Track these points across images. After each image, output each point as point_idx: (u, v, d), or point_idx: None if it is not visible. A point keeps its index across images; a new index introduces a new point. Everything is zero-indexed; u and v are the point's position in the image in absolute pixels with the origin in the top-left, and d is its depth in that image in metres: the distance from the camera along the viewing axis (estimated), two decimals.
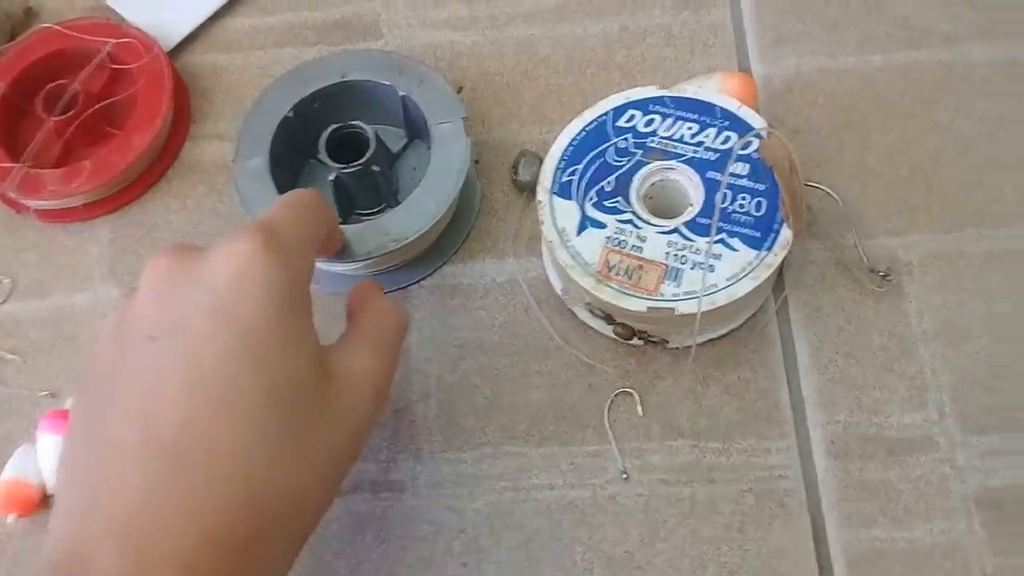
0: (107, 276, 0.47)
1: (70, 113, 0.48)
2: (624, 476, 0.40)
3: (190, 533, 0.27)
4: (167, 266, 0.31)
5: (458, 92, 0.45)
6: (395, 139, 0.47)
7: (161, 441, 0.28)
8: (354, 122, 0.43)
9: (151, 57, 0.49)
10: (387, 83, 0.45)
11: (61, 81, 0.48)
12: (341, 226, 0.41)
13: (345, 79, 0.45)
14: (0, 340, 0.46)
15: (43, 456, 0.42)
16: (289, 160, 0.45)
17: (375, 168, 0.43)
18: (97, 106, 0.48)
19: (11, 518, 0.41)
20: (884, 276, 0.42)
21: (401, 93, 0.45)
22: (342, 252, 0.41)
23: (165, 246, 0.32)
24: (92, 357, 0.32)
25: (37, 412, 0.44)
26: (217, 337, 0.29)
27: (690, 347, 0.41)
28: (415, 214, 0.42)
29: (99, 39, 0.49)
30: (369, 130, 0.43)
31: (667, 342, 0.41)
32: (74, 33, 0.49)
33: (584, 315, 0.42)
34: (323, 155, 0.43)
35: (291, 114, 0.44)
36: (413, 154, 0.48)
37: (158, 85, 0.48)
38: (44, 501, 0.42)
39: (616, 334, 0.41)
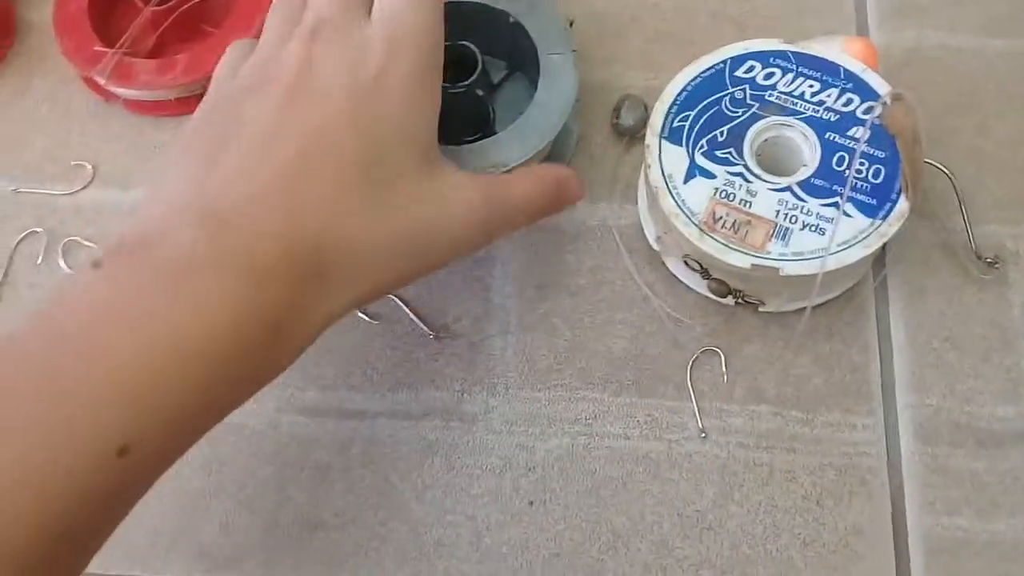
0: None
1: (168, 4, 0.47)
2: (703, 435, 0.39)
3: (275, 243, 0.30)
4: (319, 45, 0.33)
5: (570, 25, 0.43)
6: (496, 70, 0.45)
7: (269, 168, 0.31)
8: (463, 42, 0.42)
9: None
10: (499, 7, 0.43)
11: None
12: (441, 146, 0.40)
13: None
14: (80, 226, 0.46)
15: None
16: None
17: (479, 92, 0.42)
18: (195, 0, 0.47)
19: None
20: (991, 263, 0.40)
21: (512, 19, 0.43)
22: None
23: (313, 18, 0.34)
24: (222, 87, 0.35)
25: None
26: (349, 107, 0.32)
27: (783, 313, 0.40)
28: (518, 142, 0.40)
29: None
30: (477, 53, 0.41)
31: (762, 303, 0.40)
32: None
33: (676, 267, 0.41)
34: None
35: None
36: (511, 87, 0.46)
37: None
38: None
39: (711, 290, 0.40)
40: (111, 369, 0.28)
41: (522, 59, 0.45)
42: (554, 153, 0.44)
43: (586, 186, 0.40)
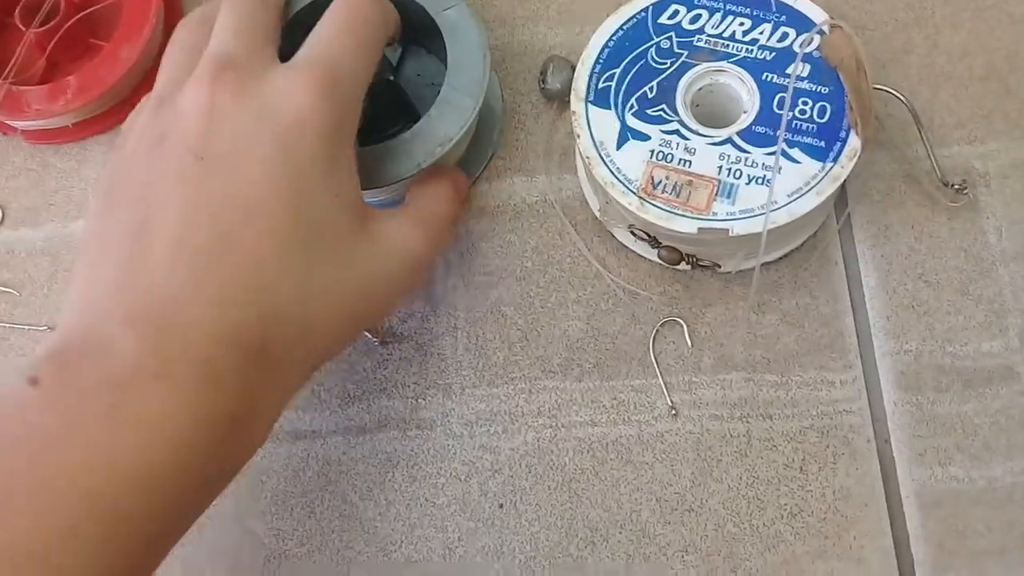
0: None
1: (51, 24, 0.43)
2: (673, 412, 0.37)
3: (212, 333, 0.28)
4: (218, 89, 0.31)
5: None
6: (388, 51, 0.42)
7: (197, 249, 0.29)
8: None
9: None
10: None
11: None
12: (371, 147, 0.37)
13: None
14: None
15: None
16: None
17: (390, 79, 0.39)
18: (79, 15, 0.44)
19: None
20: (959, 189, 0.38)
21: None
22: (382, 176, 0.37)
23: (209, 65, 0.31)
24: (116, 163, 0.32)
25: (36, 348, 0.41)
26: (267, 168, 0.30)
27: (743, 271, 0.38)
28: (452, 111, 0.37)
29: None
30: None
31: (718, 266, 0.37)
32: None
33: (625, 238, 0.39)
34: None
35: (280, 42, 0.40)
36: (411, 62, 0.43)
37: None
38: None
39: (661, 259, 0.37)
40: (65, 514, 0.26)
41: (413, 30, 0.42)
42: (481, 127, 0.42)
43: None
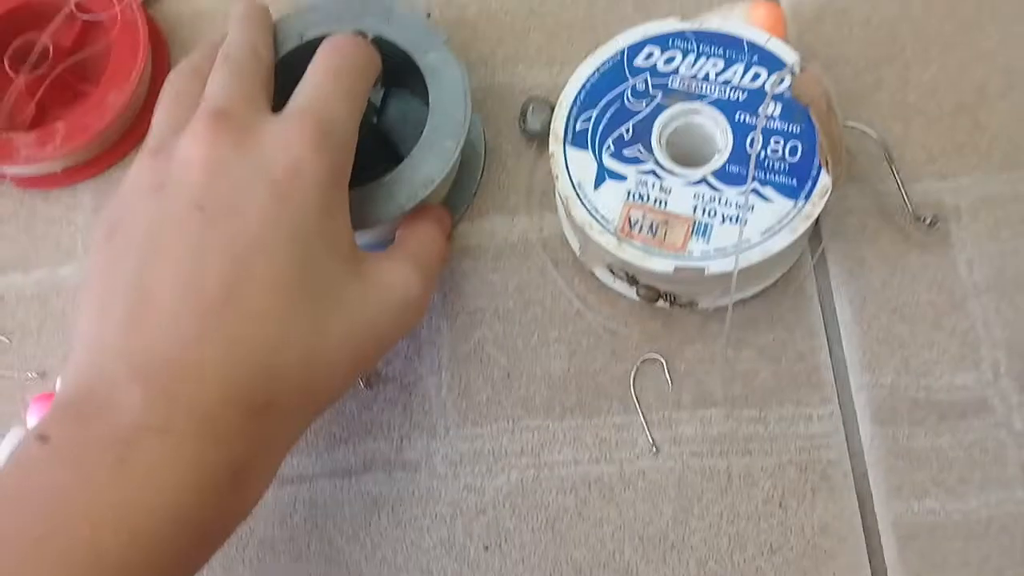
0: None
1: (40, 71, 0.44)
2: (654, 449, 0.37)
3: (217, 389, 0.29)
4: (216, 139, 0.31)
5: (427, 17, 0.41)
6: (374, 92, 0.43)
7: (201, 303, 0.29)
8: None
9: (123, 6, 0.45)
10: (351, 30, 0.41)
11: (28, 36, 0.45)
12: (356, 190, 0.38)
13: (305, 39, 0.41)
14: None
15: None
16: None
17: (373, 121, 0.40)
18: (68, 62, 0.44)
19: None
20: (930, 223, 0.38)
21: (370, 35, 0.41)
22: (366, 218, 0.38)
23: (207, 114, 0.32)
24: (119, 207, 0.32)
25: (27, 395, 0.41)
26: (267, 219, 0.30)
27: (721, 308, 0.38)
28: (434, 153, 0.38)
29: None
30: None
31: (696, 304, 0.38)
32: None
33: (605, 276, 0.39)
34: None
35: None
36: (394, 103, 0.44)
37: (132, 36, 0.44)
38: None
39: (640, 296, 0.38)
40: (71, 570, 0.26)
41: (396, 71, 0.42)
42: (464, 167, 0.42)
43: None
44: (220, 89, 0.34)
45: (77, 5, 0.45)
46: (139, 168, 0.33)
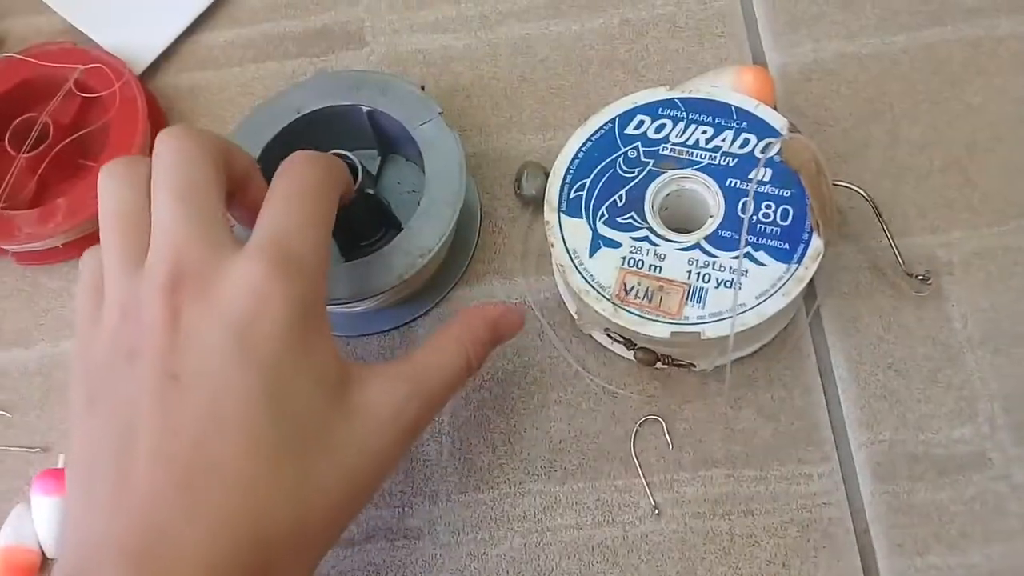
0: None
1: (41, 148, 0.45)
2: (656, 511, 0.38)
3: (204, 566, 0.27)
4: (178, 299, 0.29)
5: (422, 89, 0.42)
6: (368, 161, 0.43)
7: (179, 474, 0.28)
8: (334, 151, 0.40)
9: (122, 82, 0.46)
10: (347, 103, 0.42)
11: (29, 114, 0.46)
12: (353, 261, 0.39)
13: (301, 113, 0.42)
14: None
15: (39, 519, 0.40)
16: None
17: (369, 191, 0.40)
18: (69, 139, 0.45)
19: None
20: (923, 279, 0.39)
21: (366, 108, 0.42)
22: (365, 289, 0.38)
23: (167, 270, 0.30)
24: (94, 370, 0.31)
25: (30, 470, 0.42)
26: (240, 378, 0.29)
27: (719, 368, 0.38)
28: (432, 221, 0.39)
29: (66, 65, 0.46)
30: (351, 155, 0.40)
31: (693, 365, 0.38)
32: (39, 62, 0.46)
33: (603, 339, 0.40)
34: None
35: (260, 163, 0.41)
36: (391, 171, 0.45)
37: (131, 112, 0.45)
38: (44, 566, 0.40)
39: (638, 359, 0.38)
40: None
41: (391, 141, 0.43)
42: (461, 233, 0.43)
43: (523, 312, 0.38)
44: (174, 233, 0.30)
45: (77, 83, 0.46)
46: (108, 330, 0.31)
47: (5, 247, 0.45)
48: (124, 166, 0.32)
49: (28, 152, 0.45)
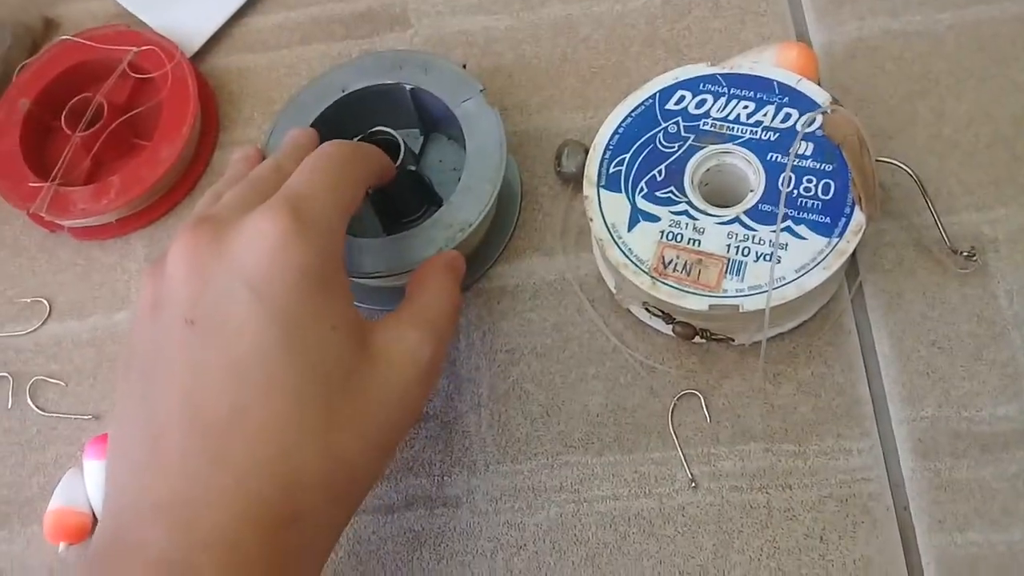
0: None
1: (95, 127, 0.46)
2: (693, 484, 0.38)
3: (235, 513, 0.28)
4: (195, 247, 0.31)
5: (463, 68, 0.42)
6: (411, 140, 0.44)
7: (205, 425, 0.29)
8: (376, 128, 0.40)
9: (173, 64, 0.47)
10: (391, 82, 0.43)
11: (84, 95, 0.47)
12: (396, 235, 0.39)
13: (346, 92, 0.43)
14: (42, 364, 0.45)
15: (90, 482, 0.41)
16: None
17: (411, 168, 0.41)
18: (122, 118, 0.47)
19: (62, 547, 0.41)
20: (968, 256, 0.38)
21: (408, 87, 0.42)
22: (407, 263, 0.39)
23: (190, 222, 0.31)
24: (131, 333, 0.32)
25: (83, 437, 0.43)
26: (253, 324, 0.29)
27: (758, 343, 0.38)
28: (471, 198, 0.39)
29: (120, 48, 0.48)
30: (394, 132, 0.40)
31: (732, 339, 0.38)
32: (94, 43, 0.48)
33: (641, 313, 0.40)
34: None
35: None
36: (433, 149, 0.45)
37: (183, 92, 0.47)
38: (95, 527, 0.41)
39: (676, 334, 0.38)
40: None
41: (434, 119, 0.44)
42: (502, 209, 0.43)
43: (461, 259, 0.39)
44: (224, 199, 0.33)
45: (130, 64, 0.47)
46: (142, 285, 0.33)
47: (61, 222, 0.46)
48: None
49: (83, 131, 0.46)
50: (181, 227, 0.31)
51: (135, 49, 0.47)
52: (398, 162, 0.39)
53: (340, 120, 0.43)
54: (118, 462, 0.31)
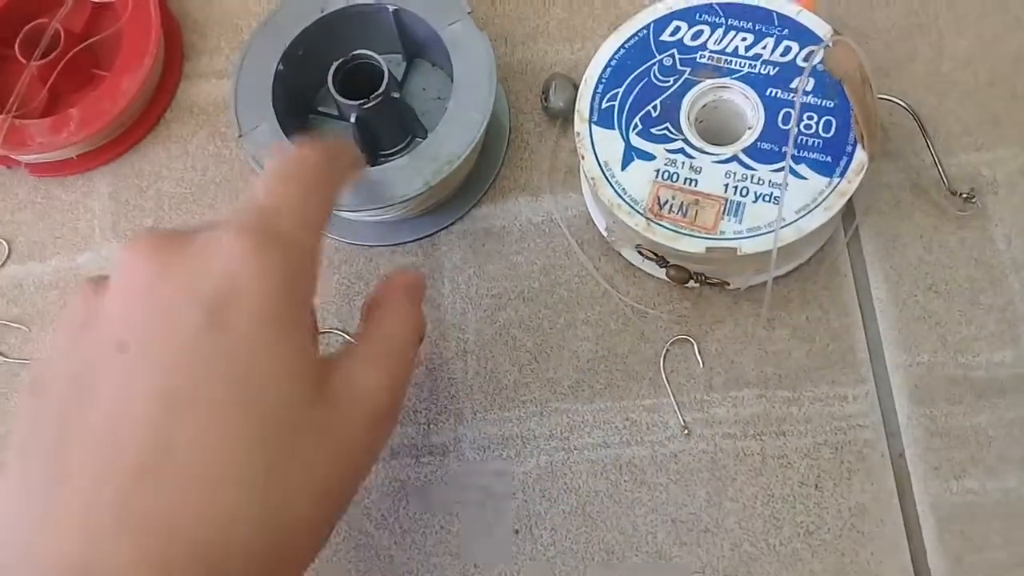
0: (110, 233, 0.44)
1: (52, 56, 0.43)
2: (685, 431, 0.37)
3: None
4: (140, 258, 0.26)
5: None
6: (393, 66, 0.42)
7: (121, 468, 0.24)
8: (358, 51, 0.38)
9: None
10: (372, 1, 0.40)
11: (39, 20, 0.44)
12: (379, 167, 0.37)
13: (325, 12, 0.40)
14: (3, 308, 0.43)
15: None
16: (290, 120, 0.40)
17: (395, 95, 0.39)
18: (80, 47, 0.44)
19: None
20: (967, 198, 0.37)
21: (392, 7, 0.40)
22: (390, 196, 0.37)
23: (139, 234, 0.27)
24: (48, 352, 0.28)
25: None
26: (198, 352, 0.25)
27: (752, 287, 0.37)
28: (458, 128, 0.37)
29: None
30: (376, 57, 0.38)
31: (727, 284, 0.37)
32: None
33: (633, 256, 0.38)
34: (335, 95, 0.38)
35: (281, 67, 0.39)
36: (417, 76, 0.43)
37: (144, 20, 0.44)
38: None
39: (670, 278, 0.37)
40: None
41: (417, 44, 0.42)
42: (488, 145, 0.41)
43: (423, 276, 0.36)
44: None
45: None
46: (72, 299, 0.28)
47: (18, 157, 0.44)
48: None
49: (39, 60, 0.43)
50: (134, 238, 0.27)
51: None
52: (381, 89, 0.37)
53: (318, 45, 0.40)
54: (6, 506, 0.25)
